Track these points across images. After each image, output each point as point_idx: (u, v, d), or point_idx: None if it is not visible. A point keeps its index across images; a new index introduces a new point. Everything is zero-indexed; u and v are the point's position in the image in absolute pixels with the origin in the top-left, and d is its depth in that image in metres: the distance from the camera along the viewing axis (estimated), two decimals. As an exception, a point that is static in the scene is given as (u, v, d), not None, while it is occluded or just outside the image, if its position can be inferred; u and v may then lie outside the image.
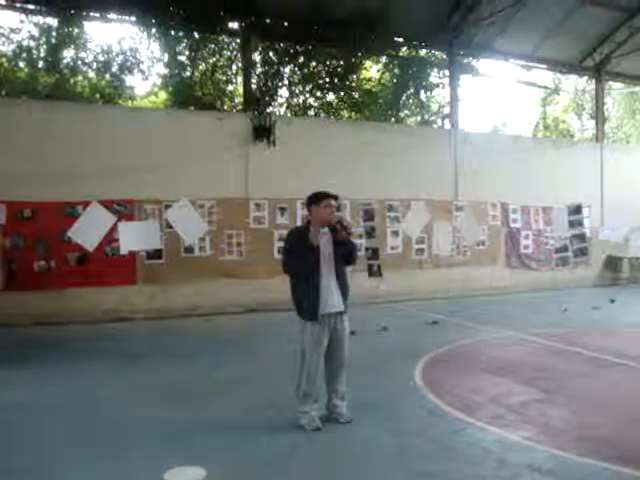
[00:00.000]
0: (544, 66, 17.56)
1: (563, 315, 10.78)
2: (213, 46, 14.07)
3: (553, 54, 16.50)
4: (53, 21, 12.52)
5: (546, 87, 21.13)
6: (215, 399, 5.55)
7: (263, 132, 12.17)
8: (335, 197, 4.87)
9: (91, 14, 12.12)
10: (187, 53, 13.70)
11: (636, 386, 5.98)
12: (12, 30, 12.47)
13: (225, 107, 14.64)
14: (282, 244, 5.05)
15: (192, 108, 13.67)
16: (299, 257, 4.62)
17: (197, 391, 5.87)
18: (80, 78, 13.29)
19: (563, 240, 11.50)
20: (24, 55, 12.58)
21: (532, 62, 16.92)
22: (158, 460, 4.00)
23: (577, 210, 11.07)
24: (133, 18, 12.25)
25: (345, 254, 4.78)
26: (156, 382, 6.29)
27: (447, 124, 15.93)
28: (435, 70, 16.55)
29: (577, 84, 22.42)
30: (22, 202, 10.39)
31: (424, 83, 16.40)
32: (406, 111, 17.45)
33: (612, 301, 12.26)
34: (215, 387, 6.02)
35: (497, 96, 37.96)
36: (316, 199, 4.79)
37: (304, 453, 4.20)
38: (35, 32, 12.58)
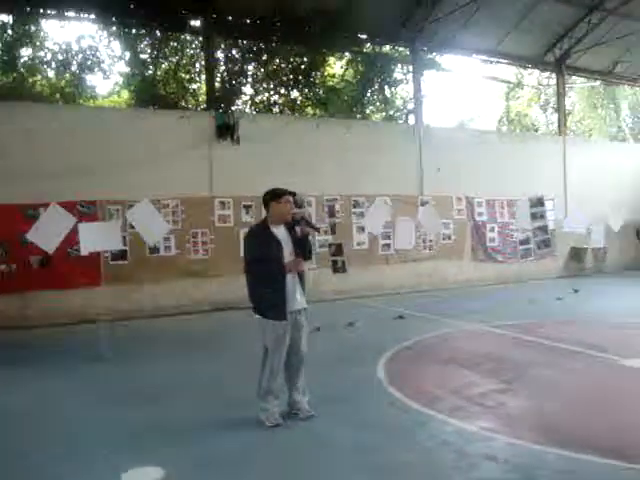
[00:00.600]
0: (507, 61, 17.81)
1: (527, 307, 10.94)
2: (175, 44, 13.94)
3: (515, 49, 16.75)
4: (8, 18, 12.24)
5: (509, 82, 21.43)
6: (178, 399, 5.52)
7: (227, 130, 12.12)
8: (293, 194, 4.89)
9: (48, 12, 11.90)
10: (149, 51, 13.54)
11: (592, 374, 6.11)
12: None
13: (189, 106, 14.53)
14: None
15: (156, 107, 13.52)
16: (266, 263, 4.58)
17: (161, 392, 5.81)
18: (39, 77, 13.05)
19: (526, 232, 11.67)
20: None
21: (495, 57, 17.15)
22: (116, 461, 3.97)
23: (539, 202, 11.27)
24: (92, 16, 12.06)
25: (303, 250, 4.79)
26: (119, 383, 6.25)
27: (411, 120, 16.04)
28: (399, 66, 16.67)
29: (540, 79, 22.78)
30: (-21, 204, 10.19)
31: (388, 79, 16.50)
32: (371, 107, 17.52)
33: (576, 291, 12.49)
34: (178, 388, 5.97)
35: (461, 91, 38.35)
36: (275, 196, 4.79)
37: (262, 450, 4.20)
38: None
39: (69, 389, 6.10)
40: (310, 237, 4.93)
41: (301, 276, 4.81)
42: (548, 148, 16.66)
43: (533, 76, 22.78)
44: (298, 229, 4.76)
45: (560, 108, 17.92)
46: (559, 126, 17.76)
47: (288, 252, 4.69)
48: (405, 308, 10.90)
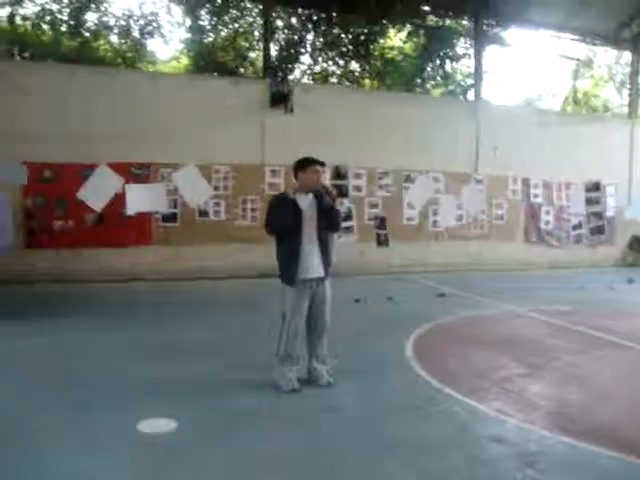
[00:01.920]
0: (577, 37, 16.98)
1: (575, 293, 10.63)
2: (235, 12, 14.01)
3: (587, 24, 15.92)
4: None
5: (578, 59, 20.48)
6: (206, 358, 5.70)
7: (281, 99, 12.16)
8: (322, 163, 4.93)
9: (113, -23, 12.22)
10: (209, 18, 13.68)
11: (626, 367, 5.92)
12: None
13: (246, 74, 14.64)
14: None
15: (215, 74, 13.70)
16: (280, 216, 4.68)
17: (192, 350, 6.03)
18: (102, 42, 13.44)
19: (579, 217, 11.29)
20: (48, 18, 12.73)
21: (564, 32, 16.37)
22: (133, 412, 4.18)
23: (595, 187, 10.86)
24: (155, -18, 12.31)
25: (328, 220, 4.83)
26: (154, 340, 6.50)
27: (471, 95, 15.63)
28: (462, 40, 16.22)
29: (615, 57, 21.65)
30: (43, 163, 10.67)
31: (450, 53, 16.09)
32: (431, 82, 17.17)
33: (630, 282, 12.03)
34: (210, 347, 6.17)
35: (526, 68, 36.73)
36: (302, 165, 4.86)
37: (274, 412, 4.32)
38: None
39: (103, 342, 6.40)
40: (338, 207, 4.96)
41: (323, 246, 4.83)
42: (615, 131, 15.88)
43: (607, 54, 21.70)
44: (327, 199, 4.79)
45: (633, 89, 17.04)
46: (629, 108, 16.91)
47: (309, 219, 4.73)
48: (449, 286, 10.82)
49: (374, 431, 4.01)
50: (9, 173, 10.27)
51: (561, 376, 5.38)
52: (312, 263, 4.76)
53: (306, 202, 4.78)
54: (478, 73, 14.76)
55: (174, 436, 3.83)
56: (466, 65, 16.77)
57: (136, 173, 10.99)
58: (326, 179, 4.88)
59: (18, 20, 12.78)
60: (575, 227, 11.90)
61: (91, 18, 13.12)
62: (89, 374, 5.16)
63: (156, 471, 3.39)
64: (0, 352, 5.88)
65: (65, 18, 12.85)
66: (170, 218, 11.40)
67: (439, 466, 3.49)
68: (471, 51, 15.78)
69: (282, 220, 4.66)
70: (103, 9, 13.00)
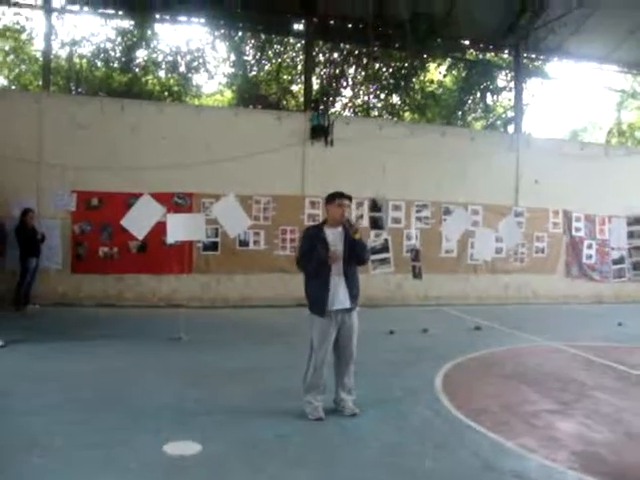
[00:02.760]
0: (621, 68, 16.78)
1: (614, 330, 10.37)
2: (278, 47, 14.46)
3: (631, 55, 15.72)
4: (128, 24, 13.31)
5: (623, 91, 20.19)
6: (238, 385, 5.87)
7: (321, 131, 12.42)
8: (349, 197, 5.08)
9: (162, 16, 12.80)
10: (252, 53, 14.16)
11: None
12: (92, 34, 13.40)
13: (288, 106, 15.01)
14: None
15: (259, 107, 14.11)
16: (310, 260, 4.85)
17: (224, 376, 6.22)
18: (150, 77, 14.05)
19: (621, 251, 11.07)
20: (101, 56, 13.45)
21: (608, 64, 16.21)
22: (162, 434, 4.35)
23: (638, 221, 10.65)
24: (201, 20, 12.83)
25: (356, 254, 4.96)
26: (189, 365, 6.71)
27: (511, 129, 15.59)
28: (502, 73, 16.26)
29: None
30: (91, 192, 11.20)
31: (490, 86, 16.13)
32: (473, 115, 17.22)
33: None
34: (238, 374, 6.34)
35: (570, 100, 36.31)
36: (330, 199, 5.03)
37: (296, 440, 4.41)
38: (112, 34, 13.45)
39: (141, 365, 6.66)
40: (363, 240, 5.08)
41: (350, 278, 4.95)
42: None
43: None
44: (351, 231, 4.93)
45: (679, 121, 16.73)
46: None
47: (338, 253, 4.86)
48: (485, 319, 10.73)
49: (396, 463, 4.05)
50: (59, 200, 10.89)
51: (591, 414, 5.28)
52: (339, 295, 4.89)
53: (335, 235, 4.93)
54: (518, 106, 14.75)
55: (197, 459, 3.96)
56: (507, 98, 16.76)
57: (178, 202, 11.40)
58: (351, 213, 5.01)
59: (75, 58, 13.54)
60: (616, 261, 11.61)
61: (141, 55, 13.81)
62: (127, 396, 5.37)
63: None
64: (46, 371, 6.15)
65: (117, 55, 13.55)
66: (211, 247, 11.72)
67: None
68: (512, 84, 15.80)
69: (313, 261, 4.83)
70: (152, 46, 13.66)
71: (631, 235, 10.58)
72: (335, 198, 4.98)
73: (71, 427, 4.50)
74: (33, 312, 9.99)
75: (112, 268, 11.23)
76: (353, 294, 4.96)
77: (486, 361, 7.52)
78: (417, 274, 10.20)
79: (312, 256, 4.83)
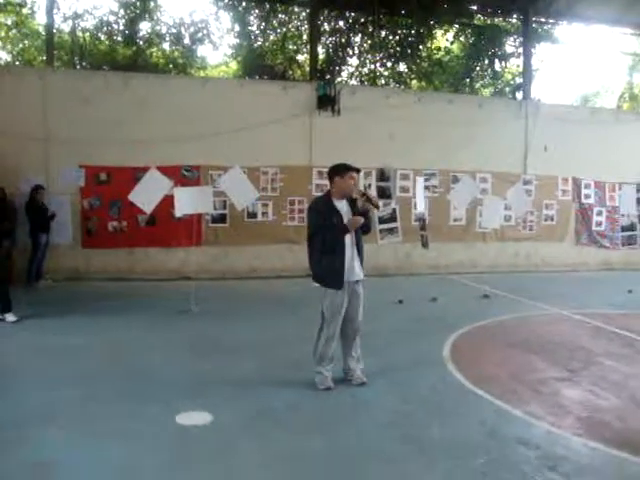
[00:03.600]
0: (634, 30, 16.42)
1: (623, 297, 10.34)
2: (283, 16, 14.26)
3: (644, 17, 15.39)
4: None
5: (635, 53, 19.76)
6: (247, 355, 5.96)
7: (328, 101, 12.31)
8: (358, 170, 5.07)
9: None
10: (257, 24, 13.98)
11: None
12: (95, 7, 13.28)
13: (295, 76, 14.86)
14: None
15: (265, 77, 13.98)
16: (328, 232, 4.81)
17: (233, 347, 6.31)
18: (155, 49, 13.93)
19: (630, 218, 10.99)
20: (105, 29, 13.33)
21: (620, 26, 15.86)
22: (174, 404, 4.45)
23: (648, 187, 10.56)
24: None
25: (364, 224, 4.97)
26: (199, 336, 6.82)
27: (519, 95, 15.37)
28: (511, 39, 15.96)
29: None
30: (99, 166, 11.22)
31: (498, 52, 15.86)
32: (481, 82, 16.97)
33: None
34: (252, 345, 6.42)
35: (579, 65, 35.52)
36: (340, 171, 4.99)
37: (306, 409, 4.50)
38: (114, 7, 13.33)
39: (152, 337, 6.78)
40: (370, 213, 5.08)
41: (359, 249, 4.99)
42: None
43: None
44: (359, 204, 4.92)
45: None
46: (690, 104, 16.30)
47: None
48: (494, 287, 10.73)
49: (402, 430, 4.12)
50: (68, 176, 10.92)
51: (598, 380, 5.33)
52: (353, 267, 4.91)
53: (342, 207, 4.94)
54: (527, 72, 14.53)
55: (209, 428, 4.06)
56: (516, 64, 16.50)
57: (186, 175, 11.42)
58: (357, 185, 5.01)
59: (78, 32, 13.43)
60: (625, 228, 11.52)
61: (144, 27, 13.69)
62: (139, 368, 5.48)
63: (185, 459, 3.60)
64: (59, 345, 6.26)
65: (121, 28, 13.43)
66: (219, 219, 11.77)
67: (463, 467, 3.56)
68: (520, 49, 15.53)
69: (333, 241, 4.80)
70: (156, 18, 13.51)
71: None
72: (347, 171, 4.94)
73: (86, 400, 4.59)
74: (45, 287, 10.14)
75: (122, 242, 11.31)
76: (362, 265, 5.01)
77: (494, 329, 7.56)
78: (425, 243, 10.20)
79: (328, 228, 4.81)
